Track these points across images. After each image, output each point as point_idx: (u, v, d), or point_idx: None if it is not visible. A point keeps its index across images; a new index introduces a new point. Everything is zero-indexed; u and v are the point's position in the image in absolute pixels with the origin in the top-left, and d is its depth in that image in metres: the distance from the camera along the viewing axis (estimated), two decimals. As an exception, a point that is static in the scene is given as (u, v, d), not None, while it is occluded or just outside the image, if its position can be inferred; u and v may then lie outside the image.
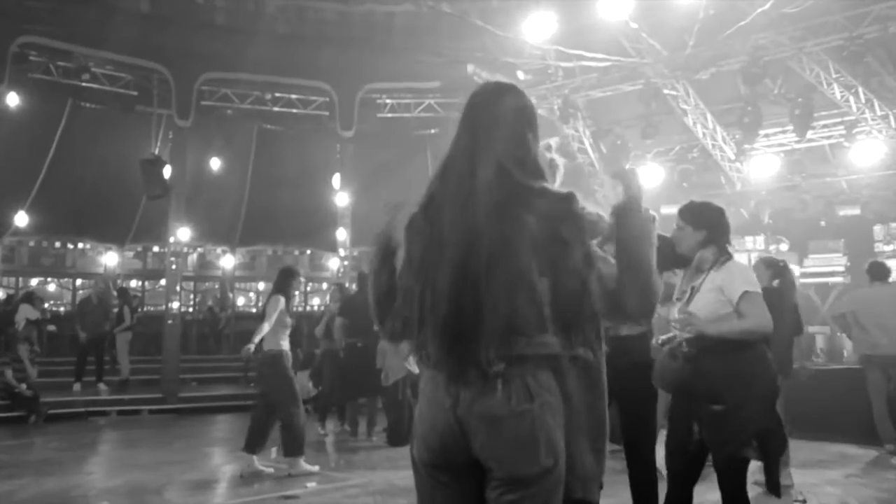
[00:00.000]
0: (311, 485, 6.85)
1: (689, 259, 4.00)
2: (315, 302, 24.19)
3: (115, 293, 14.85)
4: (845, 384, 9.06)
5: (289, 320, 7.38)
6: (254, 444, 7.35)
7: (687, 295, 3.90)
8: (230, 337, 18.92)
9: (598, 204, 2.24)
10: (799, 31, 11.12)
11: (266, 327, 7.17)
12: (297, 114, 16.43)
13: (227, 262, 21.41)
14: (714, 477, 3.77)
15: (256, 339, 7.24)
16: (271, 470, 7.38)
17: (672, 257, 4.07)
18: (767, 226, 14.24)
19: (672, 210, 4.28)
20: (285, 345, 7.37)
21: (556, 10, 11.33)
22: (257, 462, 7.38)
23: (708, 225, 3.94)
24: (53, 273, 21.63)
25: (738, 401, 3.67)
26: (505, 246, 2.05)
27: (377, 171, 16.78)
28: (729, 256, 3.90)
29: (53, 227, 17.84)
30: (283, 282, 7.53)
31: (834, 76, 11.78)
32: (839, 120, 12.73)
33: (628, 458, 4.36)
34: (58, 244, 19.99)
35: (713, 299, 3.79)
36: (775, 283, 6.66)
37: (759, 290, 3.83)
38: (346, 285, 12.21)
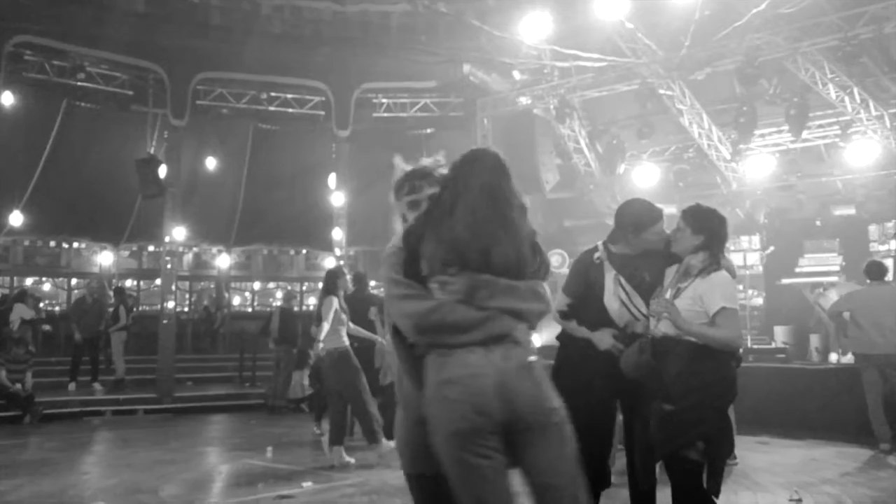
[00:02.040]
0: (307, 484, 6.84)
1: (681, 259, 4.03)
2: (311, 301, 24.14)
3: (111, 293, 14.82)
4: (841, 383, 9.10)
5: (344, 317, 7.85)
6: (340, 436, 7.83)
7: (673, 294, 3.92)
8: (225, 337, 18.88)
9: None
10: (794, 31, 11.15)
11: (326, 327, 7.64)
12: (292, 113, 16.42)
13: (223, 261, 21.37)
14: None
15: (321, 339, 7.72)
16: (353, 461, 7.61)
17: (667, 256, 4.09)
18: (763, 225, 14.28)
19: (668, 210, 4.29)
20: (346, 341, 7.79)
21: (551, 10, 11.34)
22: (344, 454, 7.72)
23: (707, 231, 3.94)
24: (48, 273, 21.54)
25: (688, 403, 3.72)
26: None
27: (373, 171, 16.72)
28: (717, 267, 3.90)
29: (48, 227, 17.78)
30: (332, 282, 7.96)
31: (829, 76, 11.81)
32: (834, 120, 12.76)
33: (629, 458, 4.36)
34: (53, 244, 19.93)
35: (690, 306, 3.83)
36: None
37: (737, 308, 3.88)
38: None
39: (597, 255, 4.28)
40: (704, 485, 3.79)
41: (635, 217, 4.19)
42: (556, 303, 4.50)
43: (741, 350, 4.01)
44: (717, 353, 3.80)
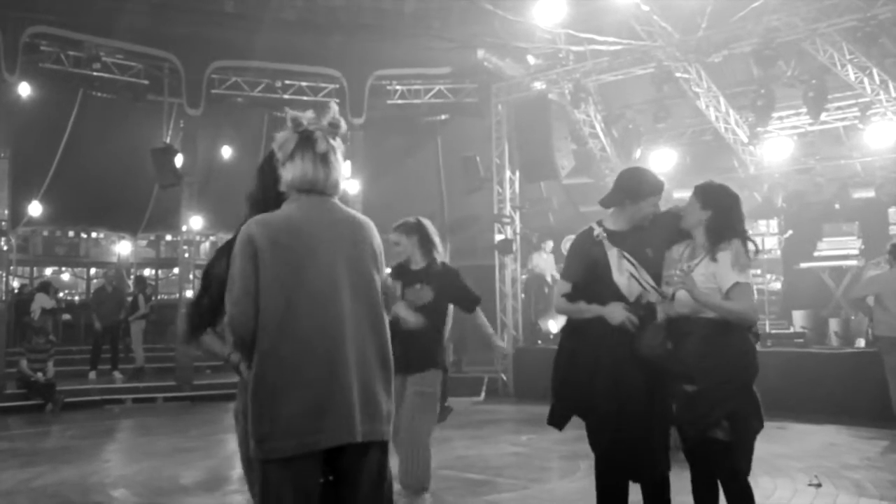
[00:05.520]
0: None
1: (689, 235, 3.99)
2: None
3: (130, 282, 14.95)
4: (861, 367, 9.04)
5: None
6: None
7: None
8: (243, 324, 18.94)
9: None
10: (812, 12, 11.00)
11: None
12: (307, 101, 16.36)
13: (240, 250, 21.42)
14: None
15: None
16: None
17: (676, 232, 4.05)
18: (781, 209, 14.16)
19: (685, 194, 4.25)
20: None
21: (566, -7, 11.25)
22: None
23: (715, 207, 3.89)
24: (67, 262, 21.75)
25: (711, 382, 3.68)
26: None
27: (387, 158, 16.74)
28: (727, 245, 3.84)
29: (67, 217, 17.92)
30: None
31: (848, 57, 11.65)
32: (853, 102, 12.61)
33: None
34: (71, 233, 20.08)
35: (703, 283, 3.79)
36: None
37: (750, 282, 3.84)
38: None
39: (596, 232, 4.19)
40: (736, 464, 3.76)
41: (638, 183, 4.13)
42: (557, 291, 4.36)
43: (758, 325, 3.95)
44: (736, 328, 3.77)
